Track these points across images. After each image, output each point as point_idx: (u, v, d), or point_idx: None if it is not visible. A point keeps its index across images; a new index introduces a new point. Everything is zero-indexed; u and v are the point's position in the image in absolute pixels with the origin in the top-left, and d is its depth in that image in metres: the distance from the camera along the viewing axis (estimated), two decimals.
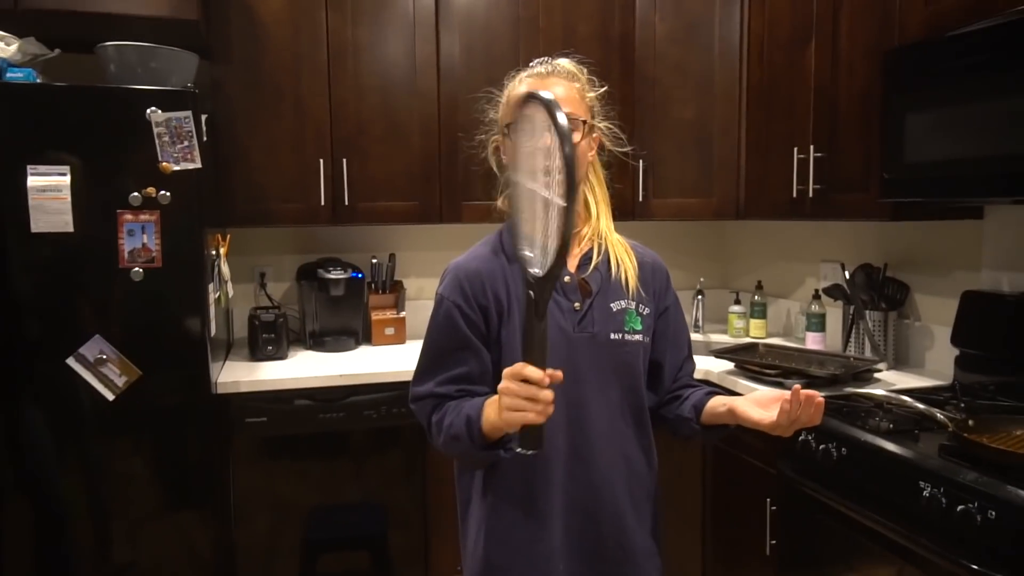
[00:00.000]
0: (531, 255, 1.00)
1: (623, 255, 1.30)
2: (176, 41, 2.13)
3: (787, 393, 1.13)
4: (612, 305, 1.26)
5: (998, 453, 1.44)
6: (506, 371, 1.01)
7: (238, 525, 2.25)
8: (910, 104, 1.84)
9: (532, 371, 0.98)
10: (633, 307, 1.28)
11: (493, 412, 1.11)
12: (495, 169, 1.32)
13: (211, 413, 2.13)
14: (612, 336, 1.25)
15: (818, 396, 1.11)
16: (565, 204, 0.92)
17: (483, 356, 1.22)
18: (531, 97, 0.98)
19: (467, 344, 1.22)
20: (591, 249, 1.28)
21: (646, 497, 1.30)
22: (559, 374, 1.01)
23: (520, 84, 1.24)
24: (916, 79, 1.83)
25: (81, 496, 2.02)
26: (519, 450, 1.06)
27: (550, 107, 0.94)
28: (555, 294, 1.22)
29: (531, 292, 0.99)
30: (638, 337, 1.28)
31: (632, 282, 1.28)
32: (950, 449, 1.54)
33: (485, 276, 1.23)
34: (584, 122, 1.23)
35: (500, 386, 1.02)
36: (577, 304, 1.23)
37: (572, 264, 1.26)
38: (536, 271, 0.98)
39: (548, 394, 0.99)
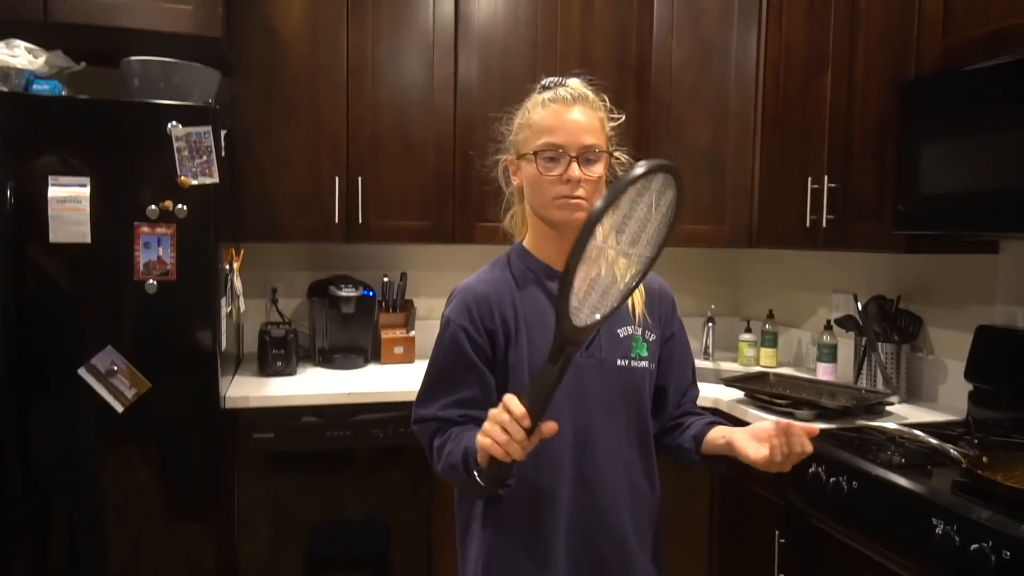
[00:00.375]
0: (576, 305, 0.96)
1: None
2: (198, 57, 2.17)
3: (782, 423, 1.11)
4: (619, 331, 1.26)
5: (1013, 492, 1.42)
6: (504, 403, 0.98)
7: (241, 539, 2.24)
8: (926, 136, 1.84)
9: (516, 405, 0.96)
10: (639, 333, 1.27)
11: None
12: (504, 187, 1.33)
13: (218, 427, 2.13)
14: (619, 362, 1.25)
15: (796, 426, 1.09)
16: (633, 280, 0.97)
17: (488, 380, 1.22)
18: (659, 170, 0.95)
19: (472, 368, 1.21)
20: None
21: (649, 523, 1.29)
22: (553, 426, 0.98)
23: (543, 107, 1.22)
24: (933, 111, 1.83)
25: (86, 505, 2.02)
26: (477, 478, 1.03)
27: (675, 175, 0.95)
28: None
29: (558, 333, 0.96)
30: (644, 363, 1.27)
31: (639, 308, 1.28)
32: (964, 486, 1.52)
33: (493, 299, 1.22)
34: (610, 154, 1.23)
35: (491, 413, 0.99)
36: None
37: None
38: (576, 321, 0.95)
39: (521, 434, 0.95)
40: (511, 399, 0.97)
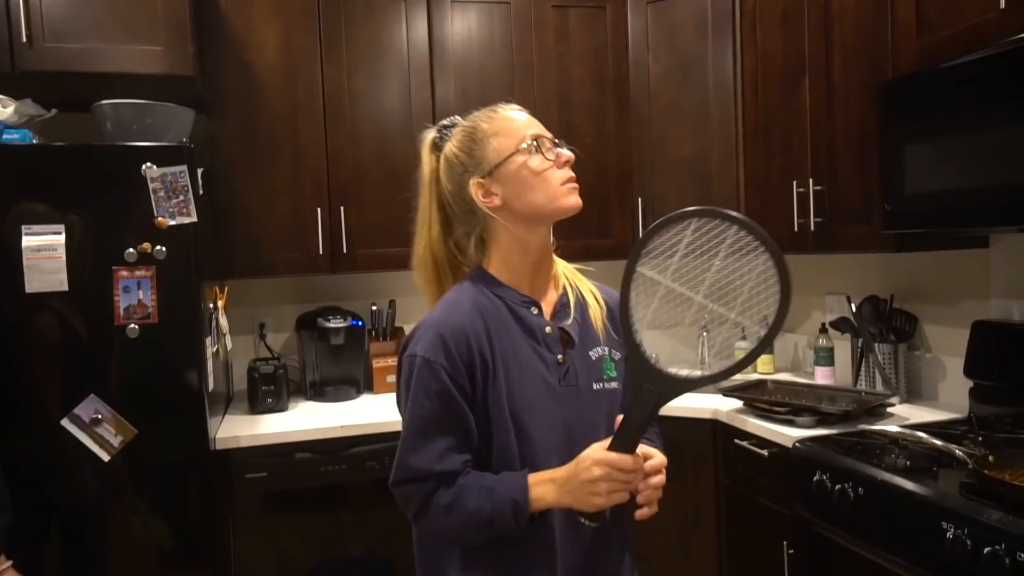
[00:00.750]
0: (652, 348, 1.05)
1: (590, 297, 1.24)
2: (173, 97, 2.15)
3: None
4: (591, 353, 1.20)
5: (1022, 491, 1.38)
6: (603, 460, 1.03)
7: None
8: (908, 135, 1.83)
9: (626, 460, 1.03)
10: (607, 353, 1.22)
11: (554, 493, 1.07)
12: (487, 212, 1.16)
13: (210, 470, 2.08)
14: (595, 387, 1.19)
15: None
16: (765, 333, 1.02)
17: (470, 420, 1.12)
18: (739, 223, 1.02)
19: (459, 408, 1.11)
20: (565, 293, 1.22)
21: (630, 547, 1.25)
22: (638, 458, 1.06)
23: (494, 116, 1.18)
24: (912, 110, 1.82)
25: (79, 557, 1.97)
26: (588, 522, 1.08)
27: (762, 233, 1.01)
28: (537, 346, 1.15)
29: (650, 386, 1.04)
30: (615, 384, 1.22)
31: (603, 325, 1.23)
32: (972, 487, 1.49)
33: (470, 332, 1.12)
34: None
35: (598, 474, 1.03)
36: (560, 356, 1.17)
37: (548, 311, 1.20)
38: (675, 371, 1.04)
39: (641, 475, 1.07)
40: (630, 460, 1.03)
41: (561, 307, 1.20)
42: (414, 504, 1.13)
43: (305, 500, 2.25)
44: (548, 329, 1.17)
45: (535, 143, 1.15)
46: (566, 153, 1.17)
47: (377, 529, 2.31)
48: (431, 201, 1.22)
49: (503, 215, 1.16)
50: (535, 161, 1.15)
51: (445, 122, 1.23)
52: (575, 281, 1.25)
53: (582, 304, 1.22)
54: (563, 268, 1.26)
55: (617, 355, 1.23)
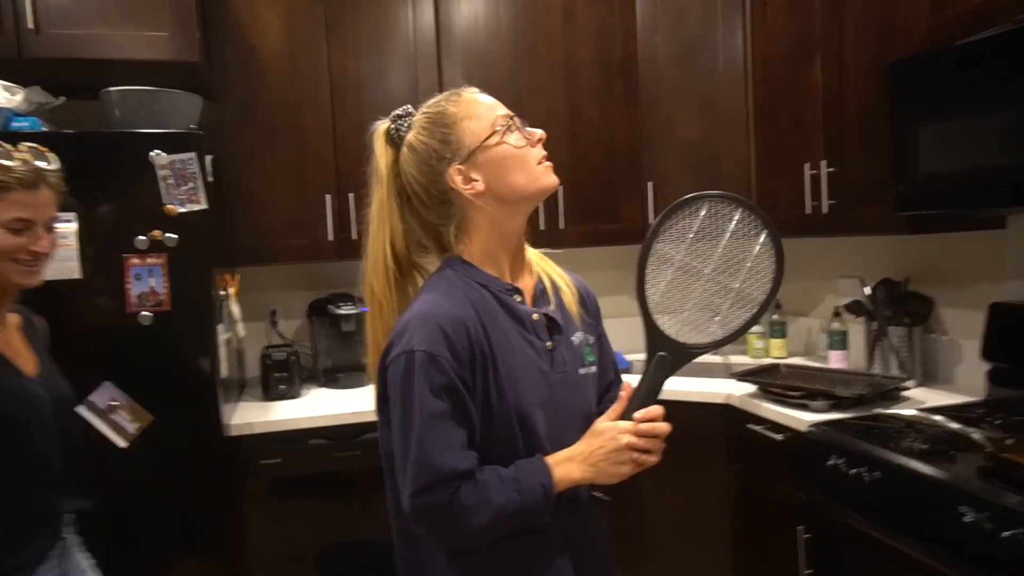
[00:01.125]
0: (665, 320, 1.13)
1: (561, 282, 1.23)
2: (179, 83, 2.14)
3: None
4: (573, 339, 1.19)
5: None
6: (629, 428, 1.07)
7: (253, 568, 2.19)
8: (921, 115, 1.81)
9: (660, 426, 1.09)
10: (585, 338, 1.21)
11: (577, 471, 1.08)
12: (470, 199, 1.11)
13: (223, 456, 2.09)
14: (580, 371, 1.18)
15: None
16: (764, 298, 1.13)
17: (475, 414, 1.06)
18: (736, 202, 1.15)
19: (464, 404, 1.05)
20: (540, 280, 1.20)
21: (611, 536, 1.24)
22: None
23: (458, 99, 1.14)
24: (925, 89, 1.79)
25: (93, 543, 1.98)
26: (602, 496, 1.12)
27: (763, 215, 1.13)
28: (527, 334, 1.13)
29: (666, 354, 1.12)
30: (593, 369, 1.21)
31: (577, 310, 1.22)
32: (989, 470, 1.47)
33: (468, 322, 1.07)
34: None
35: (627, 441, 1.06)
36: (549, 343, 1.15)
37: (528, 298, 1.17)
38: (686, 340, 1.13)
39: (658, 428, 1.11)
40: (639, 425, 1.08)
41: (540, 293, 1.19)
42: (437, 511, 1.03)
43: (318, 486, 2.26)
44: (535, 316, 1.15)
45: (510, 122, 1.13)
46: (539, 132, 1.15)
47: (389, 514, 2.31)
48: (389, 195, 1.15)
49: (484, 201, 1.12)
50: (513, 140, 1.12)
51: (398, 112, 1.18)
52: (545, 267, 1.23)
53: (557, 290, 1.21)
54: (533, 254, 1.23)
55: (591, 339, 1.23)
